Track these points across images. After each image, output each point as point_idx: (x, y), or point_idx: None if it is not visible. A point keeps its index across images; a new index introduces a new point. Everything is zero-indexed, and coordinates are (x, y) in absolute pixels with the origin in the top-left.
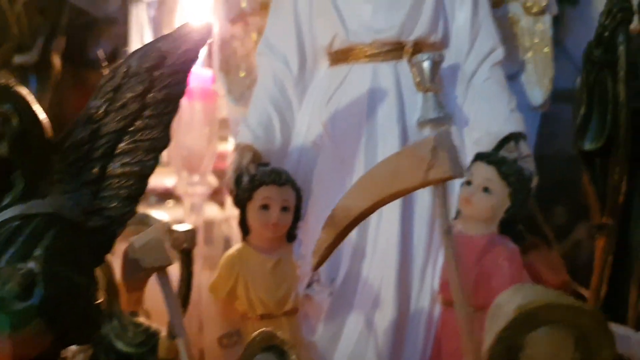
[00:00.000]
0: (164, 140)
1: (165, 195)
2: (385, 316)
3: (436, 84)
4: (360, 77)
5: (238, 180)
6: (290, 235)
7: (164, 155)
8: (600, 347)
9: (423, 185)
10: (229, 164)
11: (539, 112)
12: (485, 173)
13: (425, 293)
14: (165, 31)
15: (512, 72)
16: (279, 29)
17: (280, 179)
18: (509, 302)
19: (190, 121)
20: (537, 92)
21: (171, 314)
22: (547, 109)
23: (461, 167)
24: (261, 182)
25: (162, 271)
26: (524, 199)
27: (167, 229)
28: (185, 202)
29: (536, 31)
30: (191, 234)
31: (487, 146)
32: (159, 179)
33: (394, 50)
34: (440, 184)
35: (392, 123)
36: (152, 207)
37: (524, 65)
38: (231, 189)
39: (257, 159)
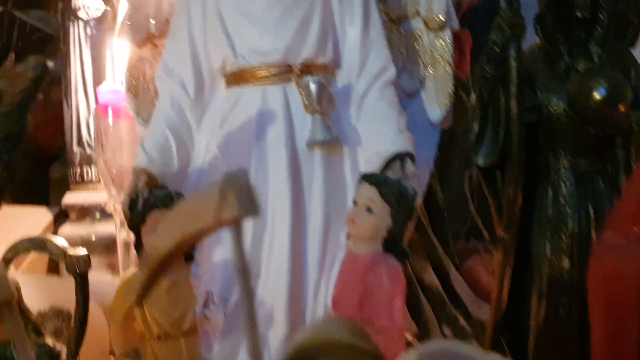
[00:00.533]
0: (3, 175)
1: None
2: (277, 334)
3: (324, 105)
4: (250, 100)
5: (132, 204)
6: (187, 256)
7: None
8: None
9: (217, 226)
10: (126, 188)
11: (438, 128)
12: (368, 193)
13: (319, 309)
14: (103, 49)
15: (414, 89)
16: (175, 53)
17: (171, 202)
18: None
19: (118, 139)
20: (436, 109)
21: (17, 348)
22: (449, 125)
23: (255, 206)
24: (153, 205)
25: (6, 305)
26: (405, 218)
27: (62, 252)
28: (115, 219)
29: (436, 47)
30: (84, 258)
31: (377, 166)
32: (102, 195)
33: (283, 73)
34: (234, 224)
35: (280, 145)
36: (96, 222)
37: (425, 82)
38: (126, 213)
39: (153, 183)
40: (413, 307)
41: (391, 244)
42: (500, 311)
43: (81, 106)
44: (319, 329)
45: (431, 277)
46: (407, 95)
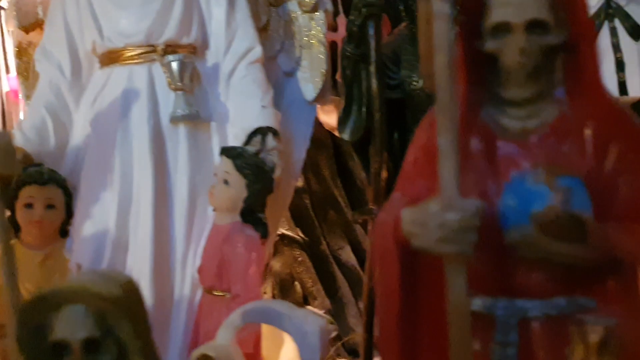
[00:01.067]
0: None
1: None
2: None
3: (186, 83)
4: (118, 79)
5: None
6: (63, 231)
7: None
8: (118, 324)
9: None
10: None
11: (314, 106)
12: (225, 166)
13: (187, 280)
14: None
15: (291, 68)
16: (53, 37)
17: (41, 178)
18: None
19: None
20: (310, 87)
21: None
22: (325, 103)
23: (12, 165)
24: (24, 182)
25: None
26: (260, 189)
27: None
28: None
29: (311, 28)
30: None
31: (242, 141)
32: None
33: (147, 52)
34: None
35: (143, 121)
36: None
37: (300, 62)
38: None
39: (29, 161)
40: (329, 284)
41: (250, 215)
42: (372, 277)
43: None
44: (79, 278)
45: (349, 256)
46: (285, 75)
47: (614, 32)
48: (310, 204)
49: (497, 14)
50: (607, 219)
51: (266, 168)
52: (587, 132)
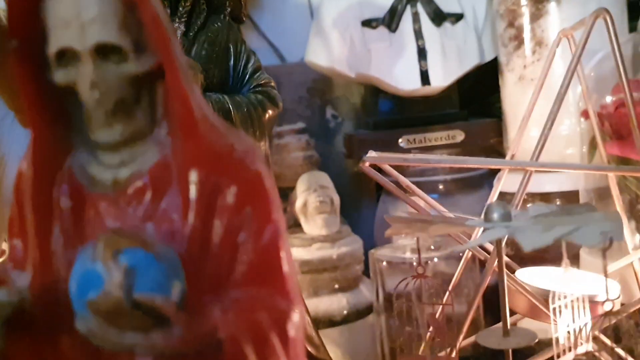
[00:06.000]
0: None
1: None
2: None
3: None
4: None
5: None
6: None
7: None
8: None
9: None
10: None
11: None
12: None
13: None
14: None
15: None
16: None
17: None
18: None
19: None
20: None
21: None
22: None
23: None
24: None
25: None
26: None
27: None
28: None
29: None
30: None
31: None
32: None
33: None
34: None
35: None
36: None
37: None
38: None
39: None
40: None
41: None
42: None
43: None
44: None
45: None
46: None
47: (416, 18)
48: None
49: (57, 38)
50: (228, 285)
51: None
52: (191, 181)
